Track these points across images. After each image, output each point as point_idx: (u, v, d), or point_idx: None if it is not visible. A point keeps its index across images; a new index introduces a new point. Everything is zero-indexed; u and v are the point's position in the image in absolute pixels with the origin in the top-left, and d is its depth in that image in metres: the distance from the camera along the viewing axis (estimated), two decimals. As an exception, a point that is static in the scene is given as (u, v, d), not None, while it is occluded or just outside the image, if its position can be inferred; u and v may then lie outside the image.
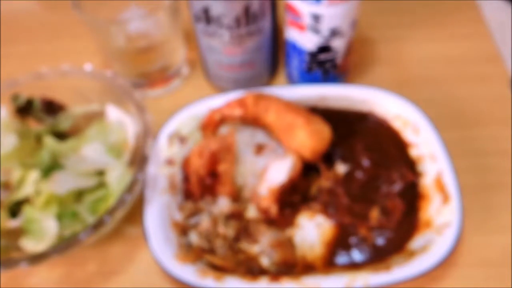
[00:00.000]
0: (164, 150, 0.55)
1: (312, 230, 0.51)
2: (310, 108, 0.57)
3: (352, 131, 0.57)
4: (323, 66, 0.59)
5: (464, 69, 0.68)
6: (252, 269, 0.48)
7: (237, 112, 0.55)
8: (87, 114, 0.59)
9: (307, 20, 0.53)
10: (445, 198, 0.48)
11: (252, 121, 0.56)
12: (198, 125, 0.57)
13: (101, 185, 0.52)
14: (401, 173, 0.50)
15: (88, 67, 0.57)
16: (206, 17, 0.55)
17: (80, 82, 0.57)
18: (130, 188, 0.47)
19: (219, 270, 0.47)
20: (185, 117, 0.57)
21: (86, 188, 0.51)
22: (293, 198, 0.51)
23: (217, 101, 0.58)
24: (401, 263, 0.45)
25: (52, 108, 0.57)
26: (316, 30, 0.54)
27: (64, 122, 0.57)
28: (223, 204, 0.51)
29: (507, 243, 0.50)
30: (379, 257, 0.48)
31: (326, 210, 0.52)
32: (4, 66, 0.75)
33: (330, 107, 0.59)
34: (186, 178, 0.52)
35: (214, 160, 0.51)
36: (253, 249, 0.50)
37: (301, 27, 0.55)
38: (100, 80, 0.56)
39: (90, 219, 0.48)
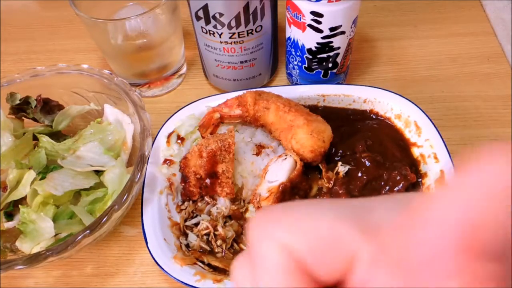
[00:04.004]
0: (163, 150, 0.55)
1: (312, 231, 0.50)
2: (310, 108, 0.57)
3: (353, 131, 0.56)
4: (324, 65, 0.59)
5: (467, 68, 0.68)
6: (251, 271, 0.47)
7: (237, 111, 0.55)
8: (84, 113, 0.58)
9: (307, 18, 0.53)
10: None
11: (251, 121, 0.55)
12: (197, 125, 0.56)
13: (99, 185, 0.51)
14: (403, 174, 0.49)
15: (85, 66, 0.56)
16: (206, 16, 0.55)
17: (77, 81, 0.57)
18: (128, 188, 0.46)
19: (219, 271, 0.47)
20: (184, 117, 0.57)
21: (83, 188, 0.50)
22: (293, 198, 0.51)
23: (216, 101, 0.57)
24: None
25: (48, 107, 0.56)
26: (316, 29, 0.53)
27: (61, 122, 0.57)
28: (223, 205, 0.51)
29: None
30: (380, 259, 0.47)
31: (326, 210, 0.51)
32: (1, 64, 0.74)
33: (330, 107, 0.59)
34: (185, 179, 0.52)
35: (213, 160, 0.50)
36: (253, 250, 0.49)
37: (301, 26, 0.54)
38: (98, 79, 0.55)
39: (88, 220, 0.48)
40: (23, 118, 0.56)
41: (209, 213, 0.51)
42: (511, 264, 0.12)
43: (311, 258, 0.14)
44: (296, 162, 0.50)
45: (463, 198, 0.11)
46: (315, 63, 0.59)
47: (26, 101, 0.55)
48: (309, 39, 0.55)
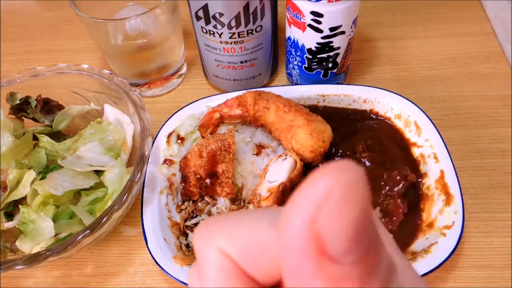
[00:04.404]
0: (163, 150, 0.55)
1: (312, 231, 0.50)
2: (310, 108, 0.57)
3: (353, 130, 0.56)
4: (324, 65, 0.59)
5: (466, 68, 0.68)
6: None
7: (237, 111, 0.55)
8: (84, 113, 0.58)
9: (307, 18, 0.53)
10: (448, 199, 0.48)
11: (251, 121, 0.55)
12: (197, 125, 0.56)
13: (99, 185, 0.51)
14: (403, 174, 0.49)
15: (85, 66, 0.56)
16: (206, 16, 0.55)
17: (77, 81, 0.57)
18: (128, 188, 0.46)
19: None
20: (184, 116, 0.57)
21: (83, 188, 0.50)
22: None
23: (216, 101, 0.57)
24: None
25: (48, 107, 0.56)
26: (316, 29, 0.53)
27: (61, 122, 0.57)
28: (223, 205, 0.51)
29: (508, 245, 0.50)
30: (380, 259, 0.47)
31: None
32: (1, 64, 0.74)
33: (330, 107, 0.59)
34: (185, 179, 0.52)
35: (213, 160, 0.50)
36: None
37: (301, 26, 0.54)
38: (98, 79, 0.55)
39: (88, 220, 0.48)
40: (23, 118, 0.56)
41: (209, 213, 0.51)
42: (374, 262, 0.14)
43: (244, 262, 0.16)
44: (296, 162, 0.50)
45: (304, 207, 0.13)
46: (315, 63, 0.59)
47: (26, 101, 0.55)
48: (309, 39, 0.55)
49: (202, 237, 0.17)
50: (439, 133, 0.52)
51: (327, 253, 0.13)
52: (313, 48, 0.56)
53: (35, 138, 0.55)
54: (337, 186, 0.13)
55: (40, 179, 0.49)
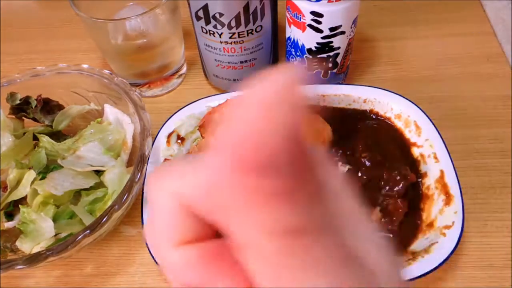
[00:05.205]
0: (163, 150, 0.55)
1: (312, 231, 0.50)
2: (310, 108, 0.57)
3: (353, 131, 0.56)
4: (324, 65, 0.59)
5: (466, 68, 0.68)
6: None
7: (237, 111, 0.55)
8: (84, 113, 0.58)
9: (307, 18, 0.53)
10: (448, 199, 0.48)
11: (251, 121, 0.55)
12: (197, 125, 0.56)
13: (99, 185, 0.51)
14: (403, 174, 0.49)
15: (85, 66, 0.56)
16: (206, 16, 0.55)
17: (77, 81, 0.57)
18: (128, 188, 0.46)
19: (219, 271, 0.47)
20: (184, 116, 0.57)
21: (83, 188, 0.50)
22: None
23: (216, 101, 0.57)
24: (403, 264, 0.44)
25: (49, 107, 0.56)
26: (316, 29, 0.54)
27: (61, 122, 0.57)
28: (223, 205, 0.51)
29: (508, 244, 0.50)
30: (380, 259, 0.47)
31: (326, 210, 0.51)
32: (1, 64, 0.74)
33: (330, 107, 0.59)
34: (185, 179, 0.51)
35: (213, 160, 0.50)
36: (253, 250, 0.49)
37: (301, 26, 0.54)
38: (98, 79, 0.55)
39: (88, 220, 0.48)
40: (23, 118, 0.57)
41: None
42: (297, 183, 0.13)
43: (198, 201, 0.15)
44: (296, 162, 0.50)
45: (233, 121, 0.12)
46: (315, 63, 0.59)
47: (26, 101, 0.55)
48: (309, 39, 0.55)
49: (155, 181, 0.16)
50: (439, 133, 0.52)
51: (249, 165, 0.12)
52: (313, 48, 0.56)
53: (35, 138, 0.55)
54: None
55: (40, 179, 0.49)
